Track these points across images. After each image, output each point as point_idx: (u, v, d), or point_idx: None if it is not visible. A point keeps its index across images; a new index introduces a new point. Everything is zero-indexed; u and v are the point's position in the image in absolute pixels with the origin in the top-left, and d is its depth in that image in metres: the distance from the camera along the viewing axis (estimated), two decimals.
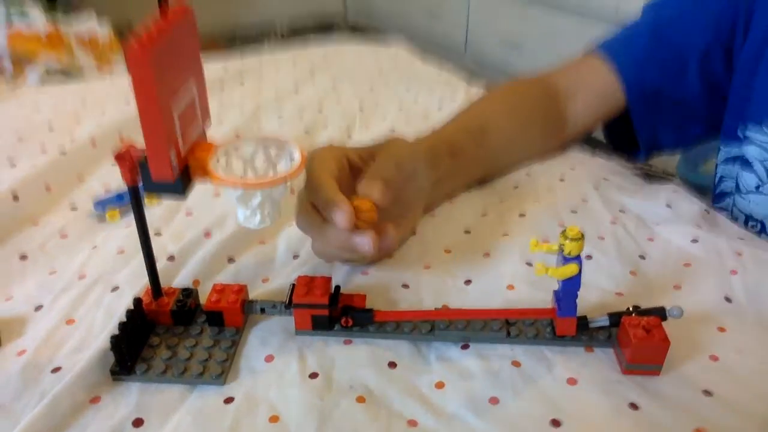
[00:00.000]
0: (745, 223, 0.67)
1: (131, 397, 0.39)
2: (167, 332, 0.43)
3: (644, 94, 0.67)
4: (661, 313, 0.42)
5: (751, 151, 0.65)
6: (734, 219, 0.66)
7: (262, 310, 0.45)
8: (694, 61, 0.65)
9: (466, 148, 0.60)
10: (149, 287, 0.44)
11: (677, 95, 0.67)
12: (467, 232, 0.57)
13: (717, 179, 0.72)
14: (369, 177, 0.47)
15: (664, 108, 0.68)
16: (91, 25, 1.64)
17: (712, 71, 0.65)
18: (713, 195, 0.72)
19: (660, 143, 0.71)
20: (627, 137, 0.72)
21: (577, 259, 0.39)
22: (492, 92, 0.70)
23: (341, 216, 0.44)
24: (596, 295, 0.48)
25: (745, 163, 0.66)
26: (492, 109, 0.65)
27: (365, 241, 0.45)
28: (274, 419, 0.38)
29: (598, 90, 0.69)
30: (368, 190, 0.46)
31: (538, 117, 0.67)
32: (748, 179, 0.66)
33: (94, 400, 0.39)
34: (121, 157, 0.36)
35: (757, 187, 0.66)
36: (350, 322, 0.44)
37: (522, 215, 0.59)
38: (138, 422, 0.37)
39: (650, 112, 0.68)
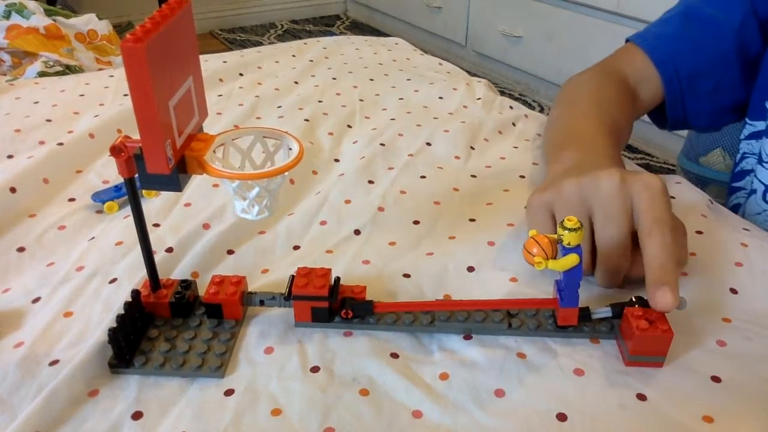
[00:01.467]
0: (764, 194, 0.66)
1: (130, 390, 0.39)
2: (166, 325, 0.43)
3: (679, 82, 0.67)
4: None
5: None
6: (752, 192, 0.66)
7: (262, 302, 0.44)
8: (730, 39, 0.65)
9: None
10: (147, 279, 0.43)
11: (714, 82, 0.67)
12: (472, 220, 0.56)
13: (738, 157, 0.72)
14: (664, 281, 0.40)
15: (700, 96, 0.68)
16: (90, 21, 1.64)
17: (748, 47, 0.65)
18: (732, 174, 0.72)
19: (690, 124, 0.72)
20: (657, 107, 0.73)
21: (577, 249, 0.39)
22: (598, 90, 0.67)
23: (667, 299, 0.39)
24: (599, 286, 0.47)
25: None
26: (617, 116, 0.64)
27: (667, 297, 0.40)
28: (276, 412, 0.37)
29: (641, 78, 0.69)
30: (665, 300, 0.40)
31: (632, 114, 0.68)
32: None
33: (93, 393, 0.38)
34: (116, 149, 0.36)
35: None
36: (350, 314, 0.43)
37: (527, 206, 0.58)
38: (137, 415, 0.37)
39: (684, 100, 0.69)
